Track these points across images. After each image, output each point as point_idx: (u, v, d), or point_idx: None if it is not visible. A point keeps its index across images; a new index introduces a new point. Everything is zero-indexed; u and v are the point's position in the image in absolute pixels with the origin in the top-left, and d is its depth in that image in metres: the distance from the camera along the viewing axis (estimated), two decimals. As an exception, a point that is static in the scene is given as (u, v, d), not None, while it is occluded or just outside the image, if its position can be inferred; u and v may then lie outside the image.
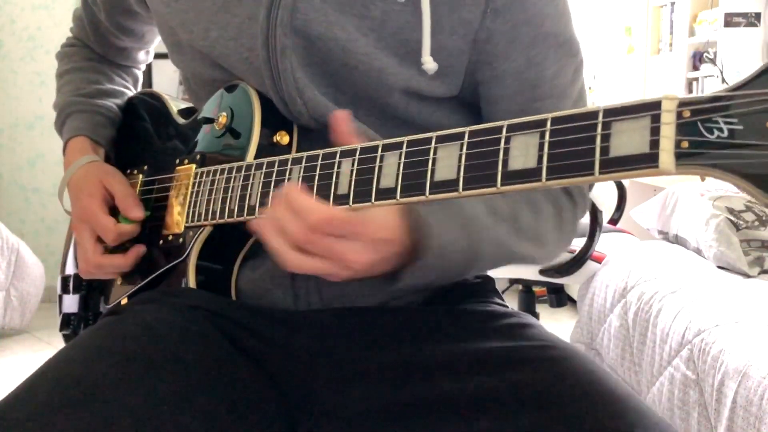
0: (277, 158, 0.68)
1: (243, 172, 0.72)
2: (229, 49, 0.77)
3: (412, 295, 0.81)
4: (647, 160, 0.46)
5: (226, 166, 0.75)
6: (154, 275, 0.81)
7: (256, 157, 0.74)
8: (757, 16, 3.25)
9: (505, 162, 0.52)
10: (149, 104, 0.97)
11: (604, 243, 2.22)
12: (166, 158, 0.87)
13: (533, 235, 0.75)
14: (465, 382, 0.67)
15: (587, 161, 0.48)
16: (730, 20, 3.25)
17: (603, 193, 2.75)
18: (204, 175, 0.78)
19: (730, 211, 2.18)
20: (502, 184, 0.52)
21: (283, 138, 0.76)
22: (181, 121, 0.90)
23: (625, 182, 2.41)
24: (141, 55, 1.07)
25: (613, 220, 2.49)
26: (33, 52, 3.54)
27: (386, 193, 0.58)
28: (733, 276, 2.07)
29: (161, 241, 0.82)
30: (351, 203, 0.60)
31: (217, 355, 0.72)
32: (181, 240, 0.79)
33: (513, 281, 2.28)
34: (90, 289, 0.93)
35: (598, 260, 2.19)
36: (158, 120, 0.94)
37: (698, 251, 2.28)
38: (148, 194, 0.87)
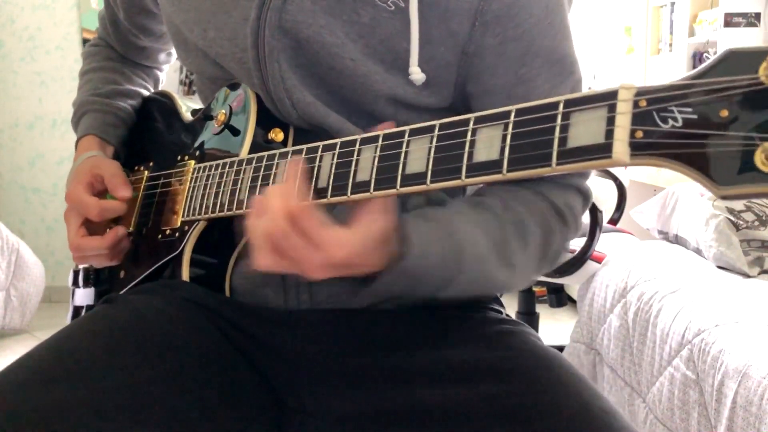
0: (266, 153, 0.69)
1: (235, 167, 0.73)
2: (225, 50, 0.78)
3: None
4: (601, 151, 0.45)
5: (221, 162, 0.76)
6: (152, 269, 0.82)
7: (250, 153, 0.74)
8: (757, 16, 3.25)
9: (471, 154, 0.52)
10: (160, 103, 0.99)
11: (604, 243, 2.22)
12: (171, 155, 0.88)
13: (516, 260, 0.73)
14: (442, 392, 0.67)
15: (545, 152, 0.48)
16: (729, 20, 3.25)
17: (603, 193, 2.75)
18: (201, 171, 0.80)
19: (730, 211, 2.18)
20: (466, 176, 0.52)
21: (277, 135, 0.77)
22: (187, 118, 0.92)
23: (625, 182, 2.40)
24: (162, 56, 1.09)
25: (613, 220, 2.49)
26: (33, 52, 3.53)
27: (361, 187, 0.59)
28: (732, 276, 2.07)
29: (160, 236, 0.83)
30: (329, 196, 0.61)
31: (207, 344, 0.72)
32: (177, 234, 0.81)
33: (513, 281, 2.28)
34: (98, 283, 0.95)
35: (598, 260, 2.19)
36: (167, 118, 0.96)
37: (698, 251, 2.28)
38: (152, 189, 0.89)
